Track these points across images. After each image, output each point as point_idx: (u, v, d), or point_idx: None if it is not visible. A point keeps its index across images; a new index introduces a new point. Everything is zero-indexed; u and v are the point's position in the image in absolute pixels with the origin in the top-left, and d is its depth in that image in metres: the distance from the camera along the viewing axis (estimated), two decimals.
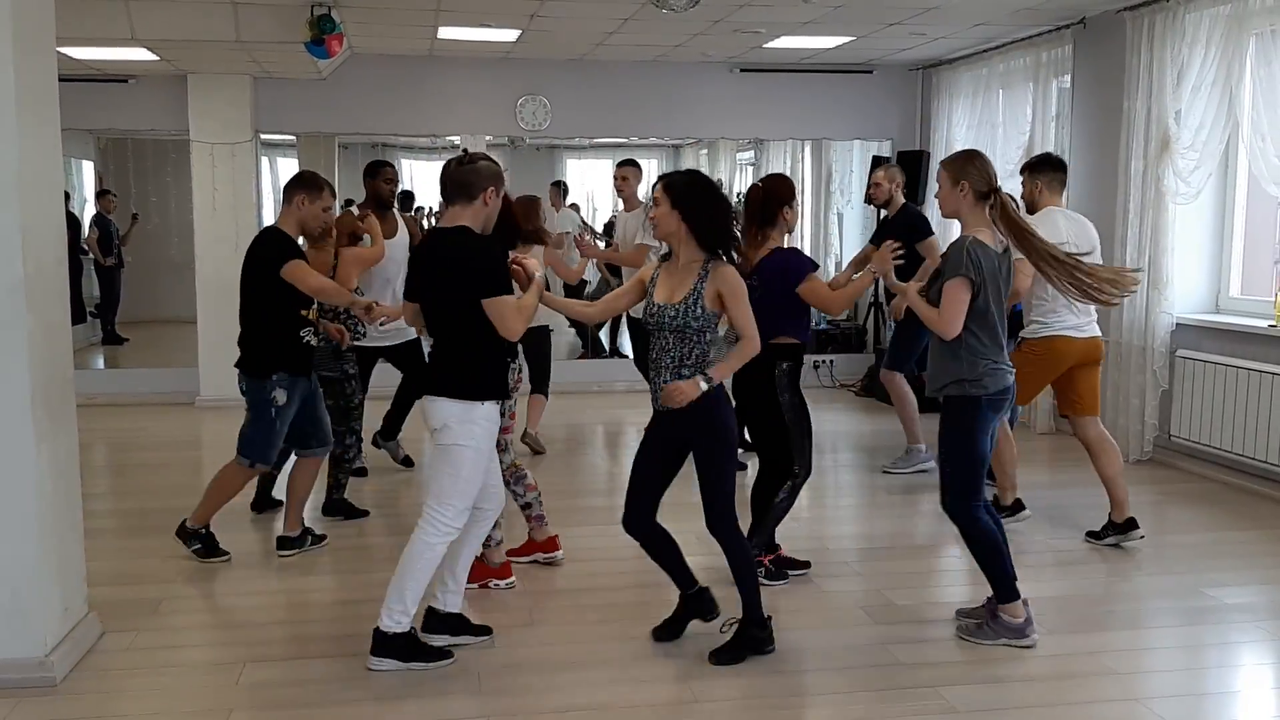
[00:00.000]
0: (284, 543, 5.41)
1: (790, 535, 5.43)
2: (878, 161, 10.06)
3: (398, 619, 3.98)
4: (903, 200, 7.02)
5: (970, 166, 4.21)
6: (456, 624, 4.26)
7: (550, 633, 4.43)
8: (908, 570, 5.15)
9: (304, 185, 5.14)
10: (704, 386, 3.91)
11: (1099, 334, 5.59)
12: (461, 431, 3.94)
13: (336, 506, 6.05)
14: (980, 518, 4.26)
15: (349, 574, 5.16)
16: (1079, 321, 5.48)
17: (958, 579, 5.17)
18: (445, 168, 4.01)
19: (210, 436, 8.54)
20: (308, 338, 5.18)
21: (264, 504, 6.11)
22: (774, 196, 4.82)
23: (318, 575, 5.25)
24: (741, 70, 10.07)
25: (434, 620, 4.22)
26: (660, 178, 4.11)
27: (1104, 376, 7.23)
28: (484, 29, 8.32)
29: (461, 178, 3.94)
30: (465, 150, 4.14)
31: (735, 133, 10.97)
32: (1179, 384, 7.03)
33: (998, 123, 8.88)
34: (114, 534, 5.73)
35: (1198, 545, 5.61)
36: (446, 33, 8.47)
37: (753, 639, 4.14)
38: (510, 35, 8.57)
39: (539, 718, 3.75)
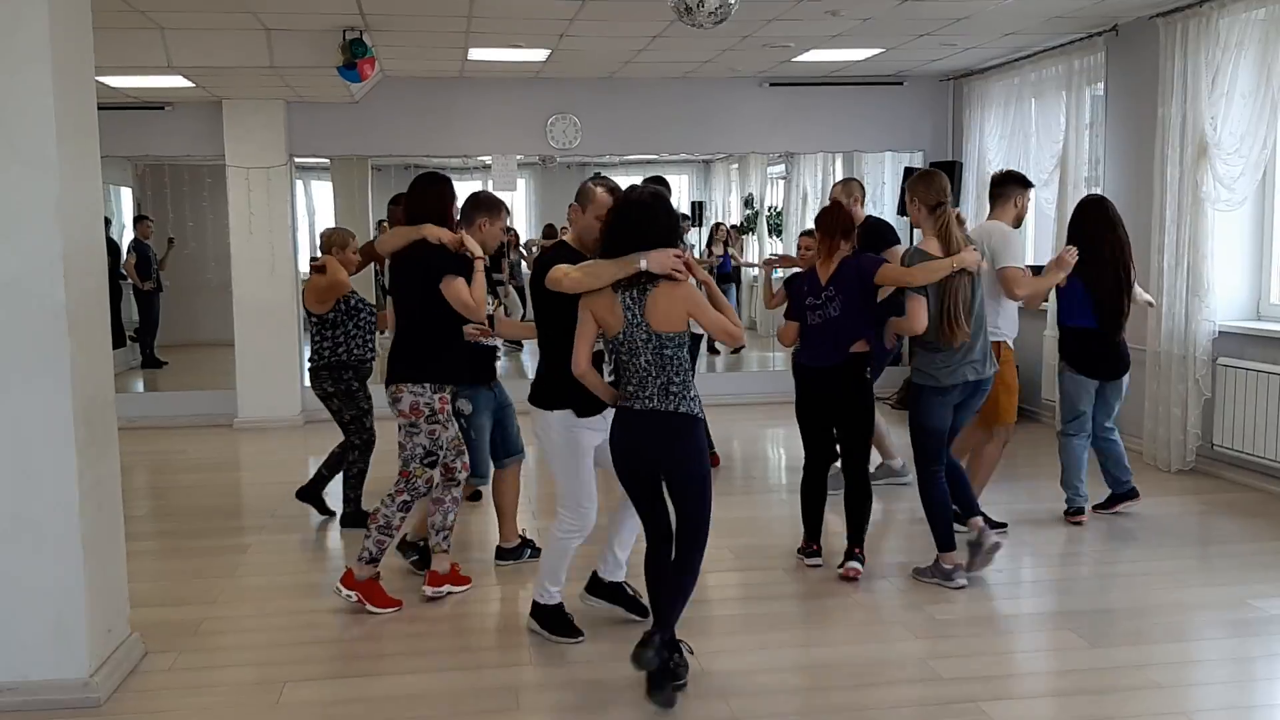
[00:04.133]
0: (501, 553, 5.56)
1: (835, 550, 5.40)
2: (908, 173, 10.03)
3: (540, 592, 4.48)
4: (863, 214, 6.63)
5: (920, 184, 5.07)
6: (613, 592, 4.66)
7: (587, 651, 4.41)
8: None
9: (485, 207, 5.04)
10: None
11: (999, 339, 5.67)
12: (541, 436, 4.38)
13: (353, 519, 6.14)
14: (930, 481, 5.09)
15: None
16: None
17: (998, 592, 5.12)
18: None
19: (249, 458, 8.63)
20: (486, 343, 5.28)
21: (310, 497, 6.34)
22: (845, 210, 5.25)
23: None
24: (771, 84, 10.08)
25: (594, 584, 4.68)
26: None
27: (1144, 386, 7.20)
28: (514, 49, 8.38)
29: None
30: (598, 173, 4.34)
31: (765, 147, 10.96)
32: (1221, 392, 6.93)
33: (1030, 132, 8.82)
34: (155, 555, 5.79)
35: (1243, 556, 5.52)
36: (477, 54, 8.53)
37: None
38: (540, 55, 8.63)
39: None
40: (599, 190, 4.27)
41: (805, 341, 5.22)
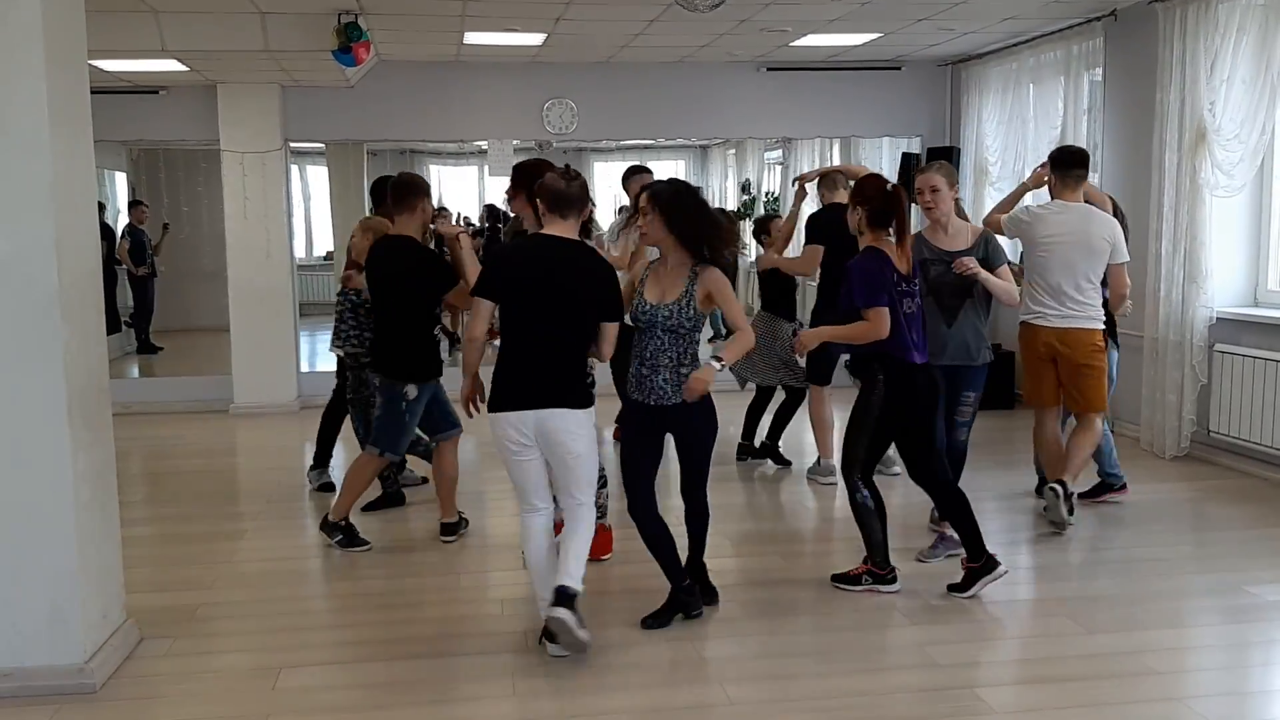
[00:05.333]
0: (446, 529, 5.60)
1: (832, 536, 5.41)
2: (907, 159, 10.01)
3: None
4: None
5: (950, 173, 5.12)
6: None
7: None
8: (943, 571, 5.10)
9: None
10: (718, 368, 4.20)
11: (1075, 325, 5.52)
12: (588, 435, 4.18)
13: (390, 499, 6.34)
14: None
15: (385, 579, 5.18)
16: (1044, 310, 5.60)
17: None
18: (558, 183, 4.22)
19: (245, 443, 8.62)
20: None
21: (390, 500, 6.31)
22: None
23: (353, 580, 5.28)
24: (768, 69, 10.04)
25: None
26: (644, 188, 4.35)
27: (1141, 372, 7.21)
28: (510, 33, 8.34)
29: (577, 193, 4.19)
30: (567, 166, 4.31)
31: (763, 132, 10.93)
32: (1217, 379, 6.93)
33: (1028, 117, 8.80)
34: (151, 541, 5.78)
35: (1238, 542, 5.53)
36: (472, 38, 8.49)
37: (680, 602, 4.44)
38: (536, 39, 8.59)
39: None
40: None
41: (905, 336, 4.58)
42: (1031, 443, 5.96)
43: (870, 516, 4.74)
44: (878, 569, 4.79)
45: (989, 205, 9.19)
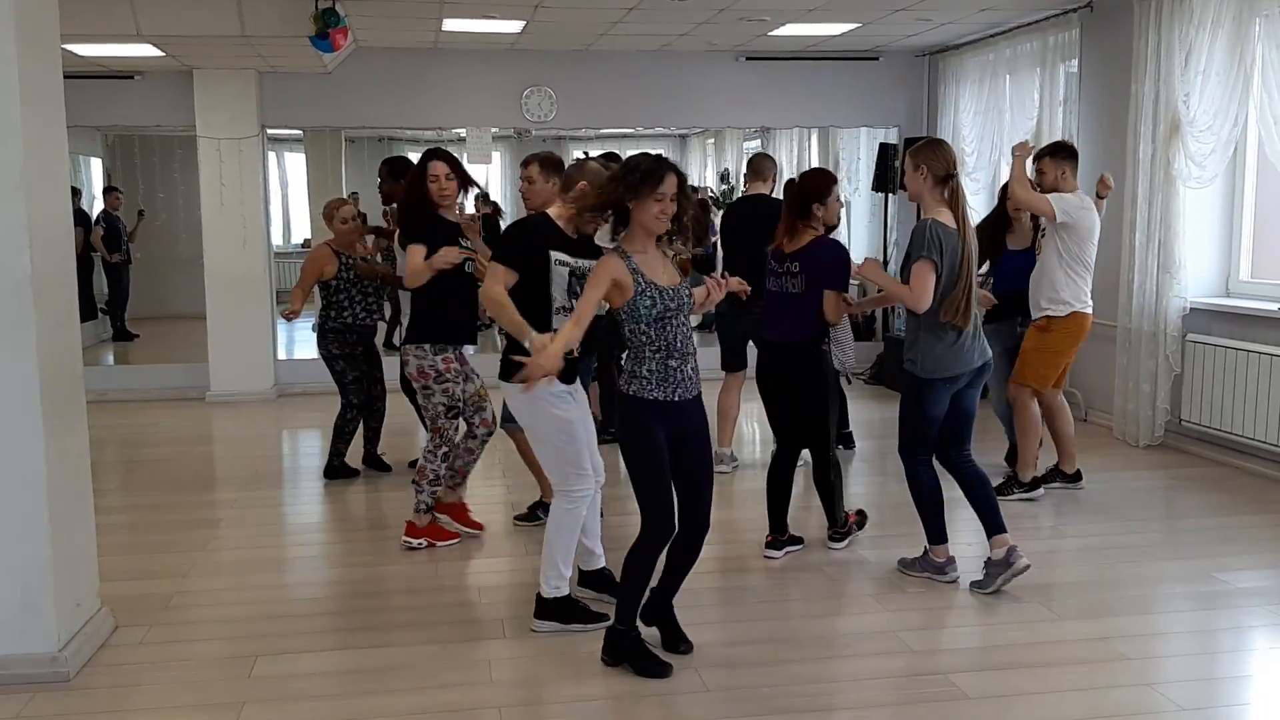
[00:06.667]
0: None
1: (800, 523, 5.43)
2: (885, 149, 10.04)
3: (555, 585, 4.25)
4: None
5: (929, 153, 4.58)
6: (599, 580, 4.59)
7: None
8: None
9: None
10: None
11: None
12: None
13: (336, 471, 6.58)
14: (922, 471, 4.78)
15: (360, 567, 5.18)
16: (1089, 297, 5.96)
17: (968, 565, 5.16)
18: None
19: (221, 431, 8.58)
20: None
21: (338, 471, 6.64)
22: (807, 192, 5.05)
23: (329, 568, 5.28)
24: (747, 58, 10.04)
25: (581, 577, 4.62)
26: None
27: (1114, 361, 7.28)
28: (488, 20, 8.31)
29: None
30: (586, 153, 4.35)
31: (741, 121, 10.94)
32: (1190, 368, 7.00)
33: (1005, 108, 8.84)
34: (126, 529, 5.75)
35: (1209, 530, 5.59)
36: (451, 25, 8.46)
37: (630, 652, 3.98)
38: (515, 26, 8.56)
39: (552, 706, 3.76)
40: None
41: (768, 312, 5.10)
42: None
43: (772, 484, 5.18)
44: (775, 534, 5.18)
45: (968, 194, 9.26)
